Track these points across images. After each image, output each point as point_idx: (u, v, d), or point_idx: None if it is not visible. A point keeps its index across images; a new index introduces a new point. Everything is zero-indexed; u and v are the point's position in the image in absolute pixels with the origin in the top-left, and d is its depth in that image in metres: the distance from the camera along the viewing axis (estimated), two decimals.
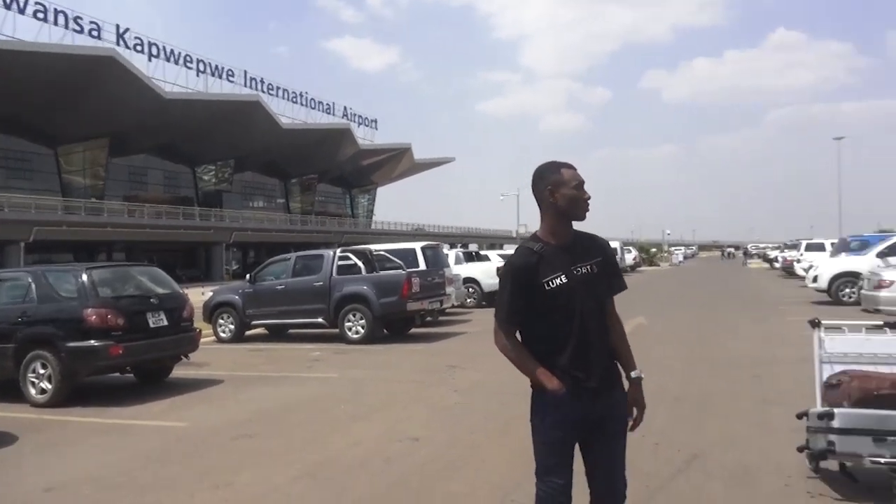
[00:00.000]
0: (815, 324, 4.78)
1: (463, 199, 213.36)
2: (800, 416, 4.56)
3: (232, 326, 13.25)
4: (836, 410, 4.18)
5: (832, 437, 4.14)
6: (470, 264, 20.23)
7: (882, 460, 3.98)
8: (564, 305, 2.63)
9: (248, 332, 13.40)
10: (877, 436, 4.03)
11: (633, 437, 5.52)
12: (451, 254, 19.73)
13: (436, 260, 15.83)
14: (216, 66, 52.90)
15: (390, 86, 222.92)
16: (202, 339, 9.39)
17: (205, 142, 52.34)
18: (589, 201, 2.72)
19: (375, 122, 72.51)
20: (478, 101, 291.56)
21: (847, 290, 16.97)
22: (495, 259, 20.92)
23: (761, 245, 78.91)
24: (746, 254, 65.24)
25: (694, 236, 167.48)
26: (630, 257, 43.58)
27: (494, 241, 75.47)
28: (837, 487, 4.27)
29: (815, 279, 18.39)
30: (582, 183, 2.70)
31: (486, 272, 19.73)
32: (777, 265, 37.09)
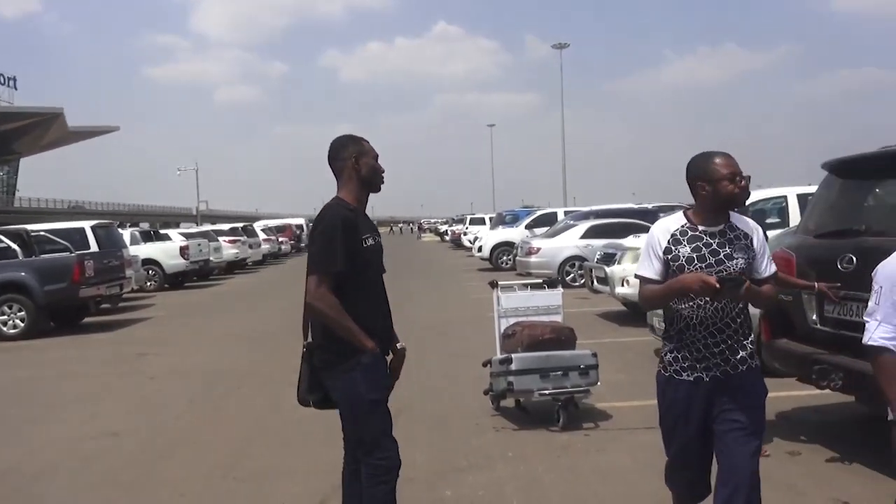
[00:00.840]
0: (493, 284, 5.61)
1: (131, 173, 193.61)
2: (485, 364, 5.33)
3: None
4: (513, 356, 4.99)
5: (511, 379, 4.94)
6: (149, 244, 18.64)
7: (547, 392, 4.90)
8: (375, 266, 2.75)
9: None
10: (542, 373, 4.93)
11: None
12: (126, 233, 17.95)
13: (110, 240, 14.24)
14: None
15: (32, 39, 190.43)
16: None
17: None
18: (384, 175, 2.83)
19: (14, 80, 61.70)
20: (144, 65, 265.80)
21: (505, 258, 19.73)
22: (177, 238, 19.61)
23: (432, 220, 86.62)
24: (420, 228, 70.80)
25: (374, 213, 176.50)
26: None
27: (170, 220, 70.16)
28: (515, 420, 5.13)
29: (479, 249, 21.03)
30: (378, 156, 2.81)
31: (168, 252, 18.43)
32: (447, 238, 41.27)
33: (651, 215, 17.28)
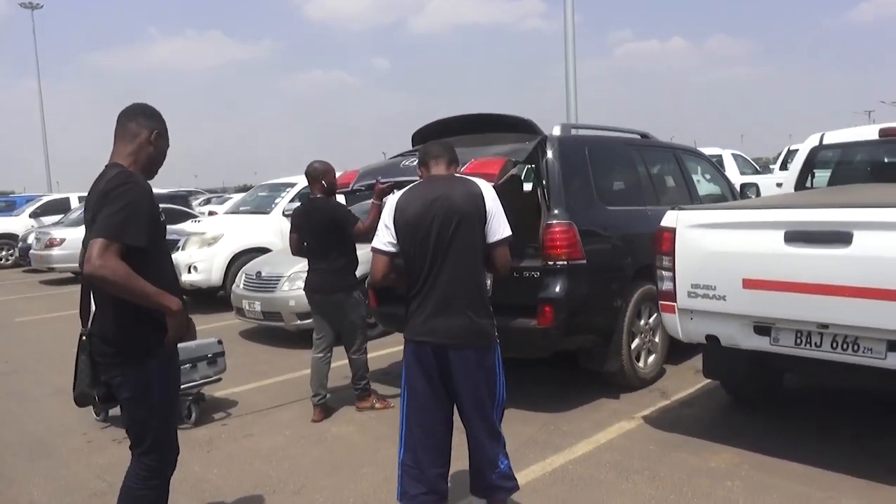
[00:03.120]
0: None
1: None
2: None
3: None
4: None
5: None
6: None
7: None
8: (163, 238, 2.59)
9: None
10: None
11: None
12: None
13: None
14: None
15: None
16: None
17: None
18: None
19: None
20: None
21: (4, 253, 16.53)
22: None
23: None
24: None
25: None
26: None
27: None
28: None
29: None
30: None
31: None
32: None
33: (181, 199, 16.85)
